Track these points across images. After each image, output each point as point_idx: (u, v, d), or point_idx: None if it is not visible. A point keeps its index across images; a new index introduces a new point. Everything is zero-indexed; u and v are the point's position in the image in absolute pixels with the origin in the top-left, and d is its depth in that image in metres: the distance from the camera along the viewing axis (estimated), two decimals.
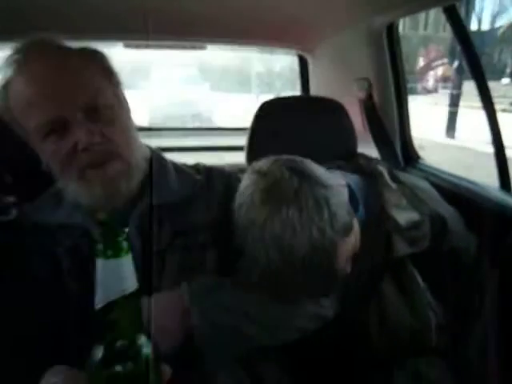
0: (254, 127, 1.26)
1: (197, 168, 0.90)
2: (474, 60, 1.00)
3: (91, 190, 0.71)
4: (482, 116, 1.05)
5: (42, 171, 0.80)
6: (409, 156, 1.52)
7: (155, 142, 0.95)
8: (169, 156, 0.90)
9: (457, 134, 8.07)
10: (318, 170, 0.73)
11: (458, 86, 7.98)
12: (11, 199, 0.83)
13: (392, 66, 1.39)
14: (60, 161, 0.70)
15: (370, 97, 1.47)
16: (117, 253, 0.41)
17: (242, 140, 1.31)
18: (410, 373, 0.82)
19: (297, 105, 1.32)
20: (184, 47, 1.73)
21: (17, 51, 0.69)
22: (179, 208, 0.79)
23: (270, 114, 1.27)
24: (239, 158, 1.36)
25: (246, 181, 0.74)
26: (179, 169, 0.86)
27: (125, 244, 0.41)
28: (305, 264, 0.67)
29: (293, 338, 0.77)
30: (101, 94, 0.71)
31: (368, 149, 1.52)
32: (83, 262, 0.69)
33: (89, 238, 0.71)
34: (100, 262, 0.41)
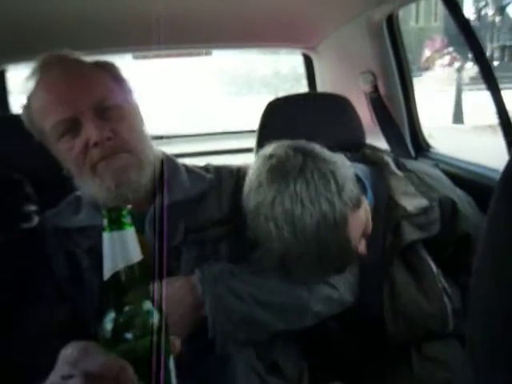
0: (261, 126, 1.28)
1: (206, 168, 0.93)
2: (475, 44, 1.00)
3: (103, 182, 0.75)
4: None
5: (61, 181, 0.85)
6: (419, 145, 1.52)
7: (167, 149, 0.99)
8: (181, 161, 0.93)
9: None
10: (323, 149, 0.75)
11: None
12: (33, 207, 0.87)
13: (395, 56, 1.40)
14: (74, 158, 0.75)
15: (375, 89, 1.48)
16: (120, 226, 0.44)
17: (253, 142, 1.33)
18: (426, 356, 0.83)
19: (302, 102, 1.34)
20: (190, 54, 1.77)
21: (37, 66, 0.76)
22: (192, 205, 0.83)
23: (276, 112, 1.29)
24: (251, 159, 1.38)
25: (253, 166, 0.77)
26: (190, 169, 0.90)
27: (128, 218, 0.45)
28: (317, 237, 0.68)
29: (309, 323, 0.78)
30: (110, 95, 0.76)
31: (378, 141, 1.53)
32: (101, 260, 0.72)
33: None
34: (106, 236, 0.44)
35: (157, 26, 1.33)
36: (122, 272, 0.44)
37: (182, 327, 0.68)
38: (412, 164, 1.02)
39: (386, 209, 0.89)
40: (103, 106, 0.74)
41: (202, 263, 0.78)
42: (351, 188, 0.72)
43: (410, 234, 0.84)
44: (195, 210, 0.83)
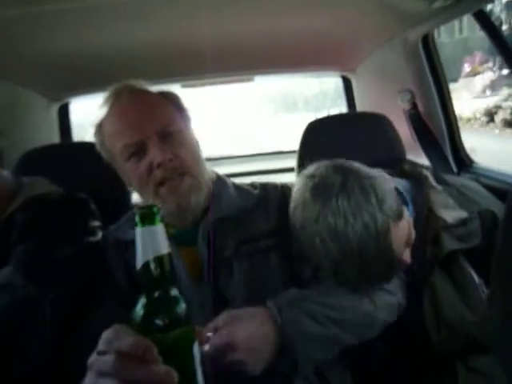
0: (302, 146, 1.34)
1: (253, 185, 1.00)
2: (509, 56, 1.01)
3: (166, 205, 0.82)
4: None
5: (121, 199, 0.94)
6: (461, 161, 1.51)
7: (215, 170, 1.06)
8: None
9: None
10: (362, 166, 0.80)
11: None
12: (97, 223, 0.97)
13: (432, 73, 1.42)
14: (139, 178, 0.83)
15: (414, 106, 1.50)
16: (151, 222, 0.50)
17: (293, 161, 1.39)
18: (472, 369, 0.82)
19: (341, 121, 1.39)
20: (233, 81, 1.88)
21: (107, 95, 0.87)
22: (241, 219, 0.89)
23: (316, 132, 1.35)
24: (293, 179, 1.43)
25: (296, 186, 0.82)
26: (238, 186, 0.97)
27: (158, 216, 0.51)
28: (361, 248, 0.72)
29: (376, 333, 0.80)
30: (172, 122, 0.85)
31: (420, 158, 1.54)
32: None
33: None
34: (138, 230, 0.50)
35: (202, 58, 1.45)
36: (152, 262, 0.50)
37: (267, 360, 0.69)
38: (452, 178, 1.04)
39: (426, 221, 0.91)
40: (166, 131, 0.82)
41: (254, 271, 0.83)
42: (391, 201, 0.76)
43: (450, 244, 0.85)
44: (245, 223, 0.88)
